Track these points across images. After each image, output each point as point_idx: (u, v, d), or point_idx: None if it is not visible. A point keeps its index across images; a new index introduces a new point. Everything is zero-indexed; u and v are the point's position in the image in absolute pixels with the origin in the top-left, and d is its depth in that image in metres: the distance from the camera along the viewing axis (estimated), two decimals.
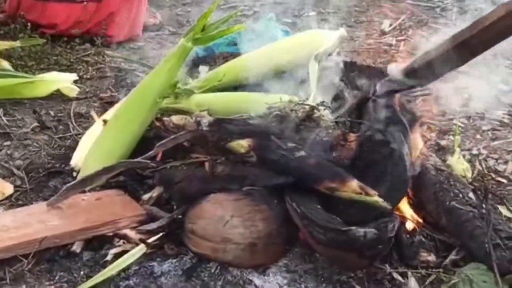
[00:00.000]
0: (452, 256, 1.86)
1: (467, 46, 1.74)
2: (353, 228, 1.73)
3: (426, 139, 2.34)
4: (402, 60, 3.09)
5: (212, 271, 1.81)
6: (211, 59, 2.76)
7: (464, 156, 2.34)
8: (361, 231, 1.73)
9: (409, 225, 1.92)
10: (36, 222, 1.88)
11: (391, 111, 2.04)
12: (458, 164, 2.24)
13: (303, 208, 1.80)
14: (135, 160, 2.03)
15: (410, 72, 1.92)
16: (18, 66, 2.92)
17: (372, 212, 1.81)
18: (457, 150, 2.31)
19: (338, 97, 2.20)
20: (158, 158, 2.06)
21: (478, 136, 2.57)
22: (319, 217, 1.77)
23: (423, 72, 1.88)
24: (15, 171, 2.25)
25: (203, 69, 2.75)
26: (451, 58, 1.78)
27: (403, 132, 1.95)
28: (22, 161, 2.31)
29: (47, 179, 2.22)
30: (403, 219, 1.90)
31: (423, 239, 1.88)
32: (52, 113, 2.64)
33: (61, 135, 2.49)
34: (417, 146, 2.07)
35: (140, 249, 1.84)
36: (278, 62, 2.45)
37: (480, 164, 2.37)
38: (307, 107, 2.03)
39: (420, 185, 1.99)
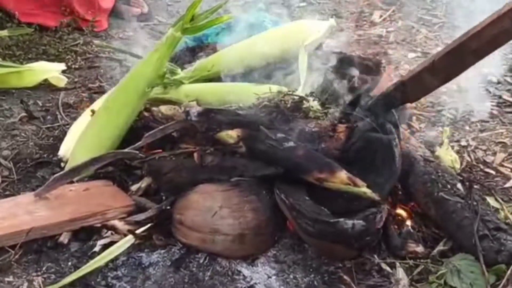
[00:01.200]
0: (440, 247, 1.87)
1: (461, 55, 1.72)
2: (341, 220, 1.74)
3: (415, 130, 2.34)
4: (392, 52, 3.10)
5: (201, 261, 1.81)
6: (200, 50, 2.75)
7: (452, 147, 2.35)
8: (349, 222, 1.73)
9: (397, 216, 1.92)
10: (24, 213, 1.87)
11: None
12: (447, 155, 2.24)
13: (291, 200, 1.80)
14: (124, 150, 2.02)
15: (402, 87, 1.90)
16: (5, 56, 2.91)
17: (360, 203, 1.82)
18: (446, 141, 2.31)
19: (327, 88, 2.19)
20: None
21: (466, 127, 2.58)
22: (308, 209, 1.77)
23: (415, 87, 1.86)
24: (2, 161, 2.23)
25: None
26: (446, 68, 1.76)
27: (393, 123, 1.94)
28: (10, 151, 2.30)
29: (35, 169, 2.21)
30: (391, 210, 1.90)
31: (411, 230, 1.88)
32: (40, 103, 2.63)
33: (49, 125, 2.48)
34: (406, 136, 2.08)
35: (128, 240, 1.84)
36: (267, 53, 2.44)
37: (469, 155, 2.38)
38: (296, 97, 2.03)
39: (408, 175, 1.99)
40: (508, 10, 1.58)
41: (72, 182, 2.01)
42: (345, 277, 1.79)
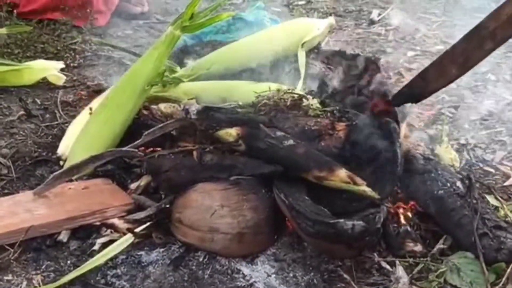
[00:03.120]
0: (440, 245, 1.86)
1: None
2: (341, 220, 1.73)
3: (414, 129, 2.34)
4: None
5: (200, 260, 1.81)
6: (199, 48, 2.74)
7: (452, 146, 2.35)
8: (349, 223, 1.72)
9: (396, 215, 1.91)
10: (23, 211, 1.87)
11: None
12: (446, 153, 2.24)
13: (291, 199, 1.79)
14: (123, 148, 2.02)
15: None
16: (4, 54, 2.90)
17: (360, 203, 1.81)
18: (445, 139, 2.31)
19: (326, 86, 2.19)
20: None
21: (466, 126, 2.58)
22: (307, 209, 1.77)
23: (436, 75, 1.84)
24: (1, 159, 2.22)
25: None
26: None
27: (394, 122, 1.94)
28: (8, 149, 2.29)
29: (34, 167, 2.20)
30: (390, 209, 1.90)
31: (409, 229, 1.88)
32: (38, 101, 2.62)
33: (47, 123, 2.47)
34: (406, 135, 2.07)
35: (128, 239, 1.83)
36: (266, 51, 2.44)
37: (468, 153, 2.38)
38: (295, 95, 2.02)
39: (408, 174, 1.98)
40: None
41: (71, 180, 2.00)
42: (345, 275, 1.78)
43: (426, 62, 3.09)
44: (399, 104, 1.97)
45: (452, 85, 2.86)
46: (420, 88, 1.89)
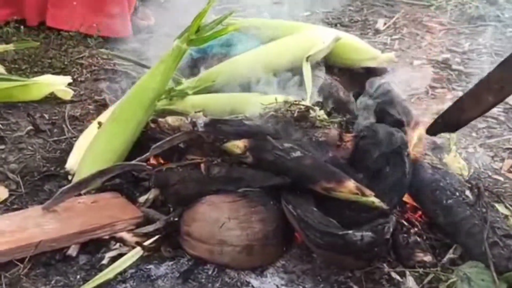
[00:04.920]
0: (450, 255, 1.86)
1: None
2: (350, 232, 1.73)
3: (422, 138, 2.33)
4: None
5: (209, 273, 1.81)
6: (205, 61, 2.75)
7: (460, 154, 2.34)
8: (357, 234, 1.72)
9: (405, 225, 1.91)
10: (32, 226, 1.87)
11: (389, 110, 2.05)
12: (455, 162, 2.23)
13: (299, 211, 1.79)
14: (131, 162, 2.03)
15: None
16: (11, 70, 2.92)
17: (368, 213, 1.81)
18: (453, 148, 2.31)
19: (333, 97, 2.19)
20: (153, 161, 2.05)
21: (474, 134, 2.57)
22: (316, 220, 1.77)
23: (471, 104, 1.82)
24: (10, 174, 2.23)
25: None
26: None
27: (401, 131, 1.94)
28: (17, 164, 2.30)
29: (42, 182, 2.21)
30: (399, 219, 1.90)
31: (418, 239, 1.87)
32: (46, 116, 2.63)
33: (55, 138, 2.48)
34: (414, 144, 2.07)
35: (137, 252, 1.83)
36: (272, 63, 2.44)
37: (477, 162, 2.37)
38: (302, 107, 2.02)
39: (416, 183, 1.98)
40: None
41: (80, 195, 2.01)
42: (354, 286, 1.78)
43: (432, 71, 3.10)
44: (435, 134, 1.98)
45: (459, 93, 2.88)
46: (455, 117, 1.88)
